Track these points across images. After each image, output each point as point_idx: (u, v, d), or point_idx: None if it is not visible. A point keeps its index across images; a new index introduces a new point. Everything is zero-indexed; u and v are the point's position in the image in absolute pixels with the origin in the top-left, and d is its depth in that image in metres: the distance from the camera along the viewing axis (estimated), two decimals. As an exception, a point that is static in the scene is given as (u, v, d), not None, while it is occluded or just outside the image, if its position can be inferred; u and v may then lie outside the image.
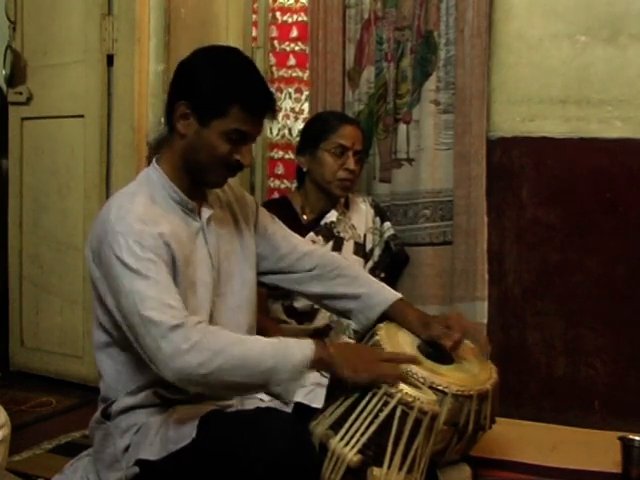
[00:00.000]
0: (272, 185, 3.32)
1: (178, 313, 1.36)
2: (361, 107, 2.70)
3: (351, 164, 2.26)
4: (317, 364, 1.38)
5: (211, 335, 1.36)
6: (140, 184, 1.54)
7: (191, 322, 1.35)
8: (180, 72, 1.54)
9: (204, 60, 1.52)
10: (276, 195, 3.20)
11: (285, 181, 3.27)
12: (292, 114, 3.32)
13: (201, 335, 1.34)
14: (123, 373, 1.51)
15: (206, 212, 1.57)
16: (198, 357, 1.32)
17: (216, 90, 1.46)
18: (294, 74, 3.30)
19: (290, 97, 3.31)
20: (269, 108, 1.52)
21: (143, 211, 1.45)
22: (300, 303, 2.23)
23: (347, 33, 2.72)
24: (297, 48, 3.28)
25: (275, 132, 3.35)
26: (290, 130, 3.32)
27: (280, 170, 3.33)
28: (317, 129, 2.33)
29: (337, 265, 1.76)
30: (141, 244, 1.40)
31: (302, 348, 1.38)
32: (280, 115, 3.33)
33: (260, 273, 1.73)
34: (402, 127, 2.63)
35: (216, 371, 1.32)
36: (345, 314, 1.80)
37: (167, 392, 1.49)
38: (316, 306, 2.21)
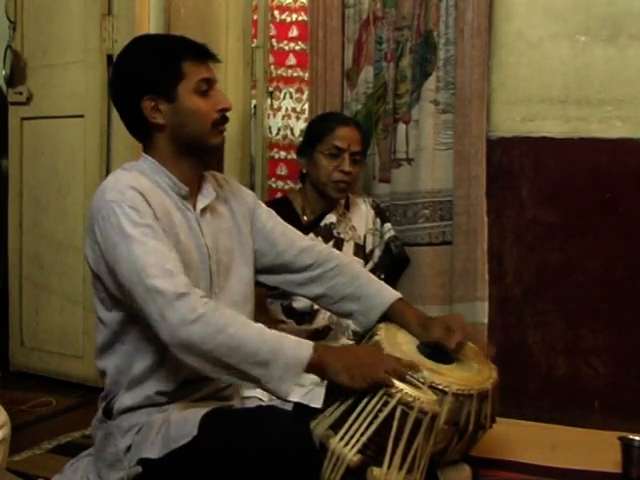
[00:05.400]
0: (274, 186, 3.29)
1: (182, 281, 1.36)
2: (359, 107, 2.70)
3: (346, 166, 2.25)
4: (312, 368, 1.36)
5: (218, 310, 1.36)
6: (131, 168, 1.54)
7: (197, 293, 1.36)
8: (119, 79, 1.55)
9: (129, 55, 1.54)
10: (279, 196, 3.19)
11: (289, 182, 3.21)
12: (293, 114, 3.31)
13: (207, 308, 1.34)
14: (124, 366, 1.49)
15: (202, 203, 1.57)
16: (202, 330, 1.32)
17: (161, 62, 1.49)
18: (295, 74, 3.29)
19: (291, 97, 3.29)
20: (208, 49, 1.55)
21: (134, 181, 1.45)
22: (299, 303, 2.23)
23: (346, 33, 2.72)
24: (297, 48, 3.27)
25: (275, 131, 3.33)
26: (292, 130, 3.30)
27: (283, 171, 3.30)
28: (314, 131, 2.34)
29: (336, 263, 1.74)
30: (137, 209, 1.40)
31: (299, 351, 1.36)
32: (280, 115, 3.32)
33: (260, 271, 1.72)
34: (401, 127, 2.64)
35: (216, 348, 1.32)
36: (346, 315, 1.79)
37: (164, 396, 1.49)
38: (316, 307, 2.21)
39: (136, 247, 1.36)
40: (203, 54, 1.54)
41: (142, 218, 1.39)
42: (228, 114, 1.57)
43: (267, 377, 1.34)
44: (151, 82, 1.49)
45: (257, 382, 1.36)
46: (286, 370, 1.34)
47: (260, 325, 1.41)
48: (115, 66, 1.58)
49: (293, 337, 1.41)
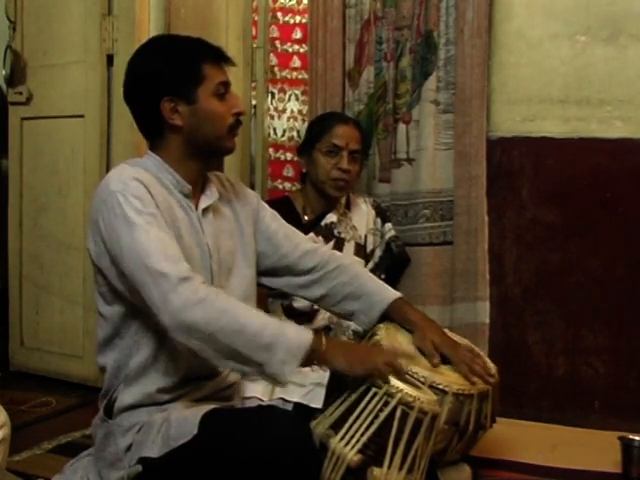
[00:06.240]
0: (280, 187, 3.29)
1: (185, 266, 1.37)
2: (361, 107, 2.70)
3: (344, 164, 2.26)
4: (312, 354, 1.36)
5: (220, 294, 1.38)
6: (134, 164, 1.54)
7: (199, 278, 1.37)
8: (137, 80, 1.54)
9: (148, 56, 1.55)
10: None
11: (296, 183, 3.22)
12: (299, 116, 3.31)
13: (209, 292, 1.35)
14: (123, 360, 1.50)
15: (204, 203, 1.58)
16: (205, 312, 1.33)
17: (182, 64, 1.50)
18: (300, 76, 3.29)
19: (297, 99, 3.30)
20: (224, 52, 1.56)
21: (137, 174, 1.46)
22: (299, 303, 2.23)
23: (347, 33, 2.72)
24: (302, 50, 3.28)
25: (280, 133, 3.34)
26: (299, 132, 3.31)
27: (290, 172, 3.31)
28: (313, 130, 2.36)
29: (338, 264, 1.75)
30: (141, 198, 1.41)
31: (300, 336, 1.37)
32: (285, 116, 3.33)
33: (263, 273, 1.73)
34: (401, 127, 2.64)
35: (219, 330, 1.33)
36: (347, 316, 1.79)
37: (164, 394, 1.49)
38: (316, 307, 2.21)
39: (140, 234, 1.37)
40: (220, 57, 1.55)
41: (145, 207, 1.41)
42: None
43: (270, 361, 1.34)
44: (172, 83, 1.49)
45: (258, 367, 1.36)
46: (288, 353, 1.34)
47: (260, 311, 1.42)
48: (131, 66, 1.56)
49: (292, 324, 1.42)
